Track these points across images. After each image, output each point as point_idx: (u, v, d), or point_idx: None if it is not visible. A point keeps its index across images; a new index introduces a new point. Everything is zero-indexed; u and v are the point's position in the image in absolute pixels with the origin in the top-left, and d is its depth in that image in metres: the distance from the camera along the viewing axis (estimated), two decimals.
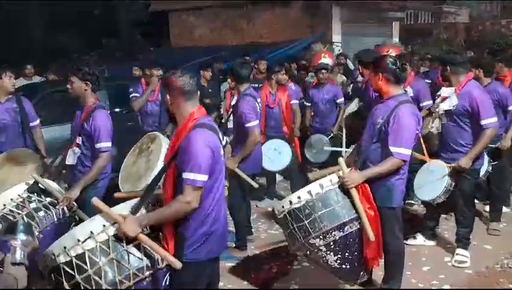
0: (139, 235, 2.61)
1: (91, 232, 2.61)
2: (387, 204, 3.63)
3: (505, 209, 5.82)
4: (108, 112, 7.00)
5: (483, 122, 4.39)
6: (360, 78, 6.40)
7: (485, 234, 5.33)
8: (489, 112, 4.43)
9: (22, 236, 2.32)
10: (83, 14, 17.06)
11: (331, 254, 3.46)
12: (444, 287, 4.25)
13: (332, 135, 6.71)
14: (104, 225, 2.64)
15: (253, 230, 5.38)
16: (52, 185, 3.78)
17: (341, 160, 3.56)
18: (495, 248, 4.98)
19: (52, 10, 16.43)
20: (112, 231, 2.63)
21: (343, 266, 3.52)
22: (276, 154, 5.96)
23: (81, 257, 2.58)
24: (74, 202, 3.72)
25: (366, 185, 3.52)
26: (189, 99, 2.81)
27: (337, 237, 3.42)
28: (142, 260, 2.63)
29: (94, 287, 2.56)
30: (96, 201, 2.73)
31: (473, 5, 19.79)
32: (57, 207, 3.56)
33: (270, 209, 6.01)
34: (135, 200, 2.86)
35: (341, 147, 6.44)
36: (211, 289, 2.95)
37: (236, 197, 4.82)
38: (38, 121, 5.04)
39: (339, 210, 3.43)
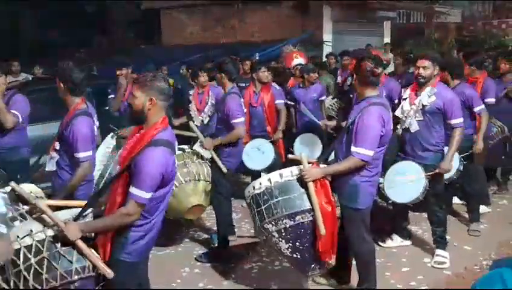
0: (77, 241, 2.72)
1: (31, 231, 2.74)
2: (351, 204, 3.68)
3: (485, 209, 5.87)
4: (94, 109, 7.07)
5: (453, 121, 4.55)
6: (339, 78, 6.40)
7: (466, 235, 5.37)
8: (458, 112, 4.60)
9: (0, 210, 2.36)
10: (75, 12, 17.01)
11: (283, 241, 3.61)
12: (421, 288, 4.28)
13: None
14: (44, 226, 2.78)
15: (236, 230, 5.39)
16: (32, 189, 3.71)
17: (303, 155, 3.66)
18: (474, 249, 5.02)
19: (44, 8, 16.39)
20: (50, 232, 2.75)
21: (294, 255, 3.63)
22: (260, 154, 5.98)
23: (17, 252, 2.69)
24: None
25: (326, 181, 3.60)
26: (164, 104, 2.88)
27: (288, 225, 3.55)
28: (72, 263, 2.73)
29: (22, 283, 2.67)
30: (40, 204, 2.82)
31: (465, 5, 19.88)
32: (33, 216, 3.49)
33: None
34: (78, 209, 2.95)
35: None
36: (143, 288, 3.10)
37: (220, 198, 4.84)
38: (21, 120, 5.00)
39: (293, 200, 3.56)
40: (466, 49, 9.52)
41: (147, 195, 2.72)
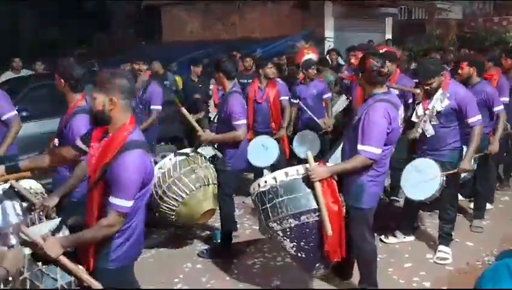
0: (60, 257, 2.54)
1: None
2: (356, 204, 3.62)
3: (488, 206, 5.85)
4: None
5: (470, 120, 4.49)
6: (345, 74, 6.36)
7: (468, 231, 5.36)
8: (475, 110, 4.53)
9: (13, 220, 2.26)
10: (75, 10, 17.00)
11: (288, 240, 3.57)
12: (424, 284, 4.28)
13: (323, 130, 6.54)
14: (21, 244, 2.55)
15: (238, 226, 5.38)
16: (32, 185, 3.69)
17: (309, 154, 3.59)
18: (477, 245, 5.01)
19: (44, 7, 16.37)
20: (27, 250, 2.54)
21: (299, 255, 3.59)
22: (264, 150, 5.94)
23: None
24: (55, 208, 3.63)
25: (333, 180, 3.54)
26: (127, 103, 2.67)
27: (293, 225, 3.50)
28: (56, 280, 2.54)
29: None
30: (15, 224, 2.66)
31: (465, 3, 19.88)
32: (32, 214, 3.45)
33: None
34: (57, 221, 2.78)
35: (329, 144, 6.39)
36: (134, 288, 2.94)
37: (225, 195, 4.82)
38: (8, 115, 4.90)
39: (298, 199, 3.50)
40: (474, 45, 9.48)
41: (129, 203, 2.55)
